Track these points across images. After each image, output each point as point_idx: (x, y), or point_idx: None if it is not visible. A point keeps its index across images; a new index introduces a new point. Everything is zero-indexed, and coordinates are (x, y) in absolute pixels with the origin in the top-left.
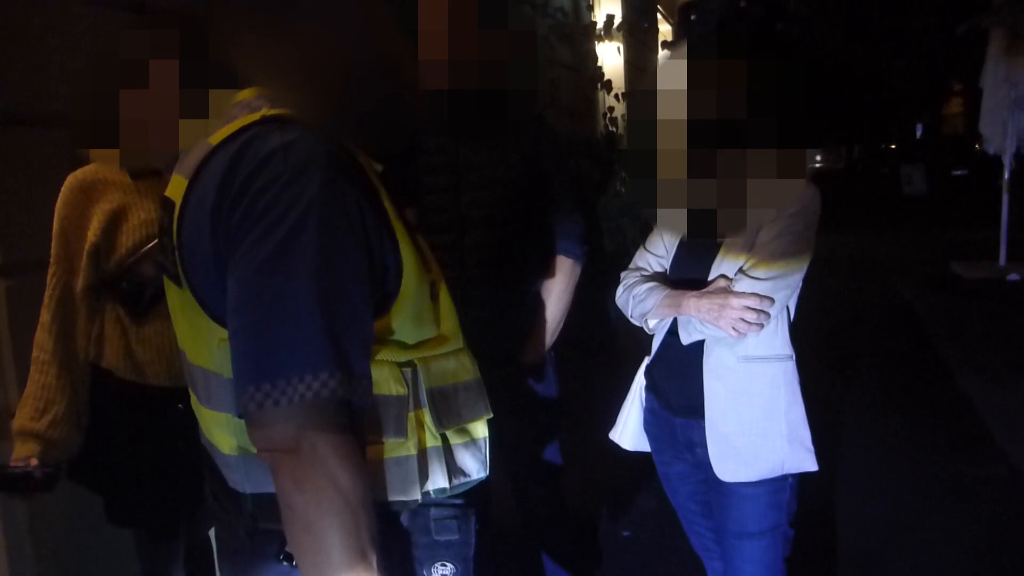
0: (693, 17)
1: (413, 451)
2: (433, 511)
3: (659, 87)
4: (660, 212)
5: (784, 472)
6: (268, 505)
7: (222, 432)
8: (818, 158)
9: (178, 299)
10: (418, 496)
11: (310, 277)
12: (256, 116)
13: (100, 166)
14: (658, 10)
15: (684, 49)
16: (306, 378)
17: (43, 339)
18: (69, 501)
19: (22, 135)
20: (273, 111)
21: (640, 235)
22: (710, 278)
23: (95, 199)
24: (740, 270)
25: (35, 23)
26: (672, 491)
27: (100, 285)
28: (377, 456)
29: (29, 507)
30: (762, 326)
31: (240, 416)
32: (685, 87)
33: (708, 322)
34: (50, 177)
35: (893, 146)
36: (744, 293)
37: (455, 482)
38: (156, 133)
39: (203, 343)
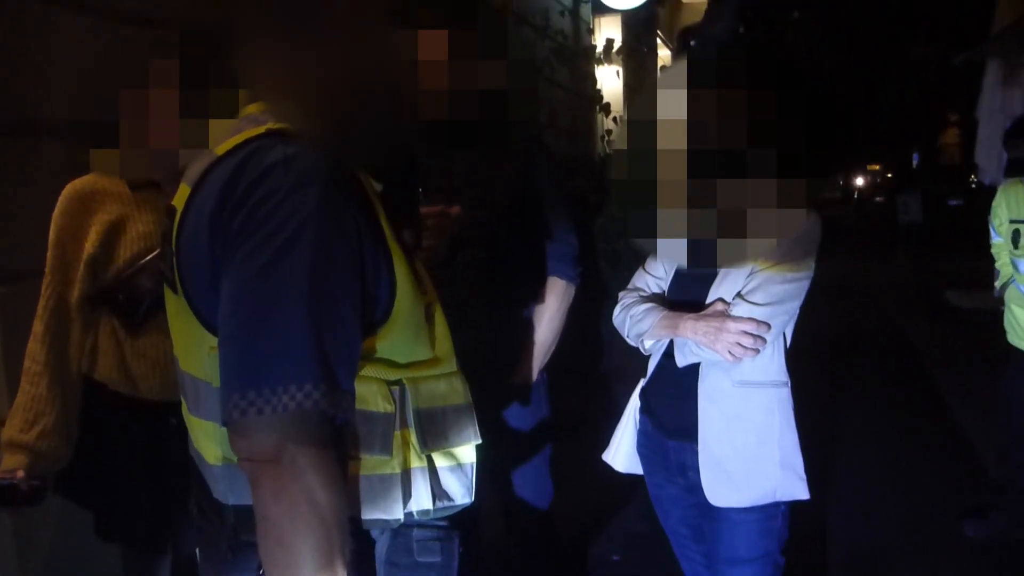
0: (692, 43)
1: (397, 470)
2: (416, 532)
3: (659, 116)
4: (660, 243)
5: (776, 499)
6: (250, 517)
7: (208, 441)
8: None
9: (174, 306)
10: (400, 516)
11: (302, 289)
12: (261, 129)
13: (99, 176)
14: (658, 35)
15: (680, 67)
16: (290, 388)
17: (35, 350)
18: (57, 515)
19: (16, 144)
20: (278, 125)
21: (636, 258)
22: (708, 301)
23: (93, 210)
24: (738, 294)
25: (32, 33)
26: (663, 514)
27: (96, 296)
28: (361, 472)
29: (16, 521)
30: (758, 351)
31: (223, 424)
32: (684, 116)
33: (704, 345)
34: (44, 186)
35: (889, 175)
36: (741, 317)
37: (439, 505)
38: (157, 159)
39: (194, 350)
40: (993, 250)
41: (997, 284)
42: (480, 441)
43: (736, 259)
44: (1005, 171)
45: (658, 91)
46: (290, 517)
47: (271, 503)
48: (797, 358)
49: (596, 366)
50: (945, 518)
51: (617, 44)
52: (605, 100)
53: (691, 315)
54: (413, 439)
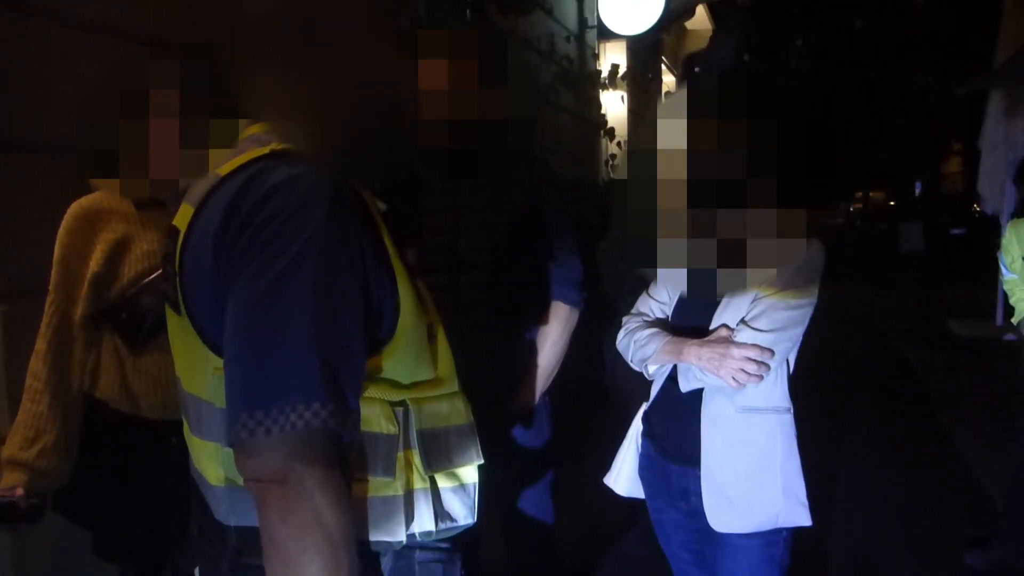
0: (697, 69)
1: (400, 491)
2: (418, 554)
3: (659, 147)
4: (660, 271)
5: (778, 525)
6: (252, 539)
7: (211, 462)
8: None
9: (176, 326)
10: (403, 537)
11: (308, 309)
12: (265, 150)
13: (104, 195)
14: (663, 61)
15: (681, 96)
16: (298, 407)
17: (37, 367)
18: (55, 534)
19: (19, 162)
20: (282, 146)
21: (639, 282)
22: (712, 327)
23: (99, 228)
24: (742, 320)
25: (35, 50)
26: (665, 539)
27: (99, 314)
28: (363, 494)
29: (14, 539)
30: (762, 377)
31: (230, 445)
32: (685, 147)
33: (708, 371)
34: (47, 204)
35: (892, 203)
36: (745, 344)
37: (441, 526)
38: (156, 163)
39: (198, 371)
40: (1006, 286)
41: (1014, 320)
42: (483, 461)
43: (736, 288)
44: (1015, 208)
45: (658, 121)
46: (297, 538)
47: (278, 524)
48: (800, 384)
49: (598, 390)
50: (946, 547)
51: (622, 70)
52: (609, 125)
53: (695, 341)
54: (416, 460)
